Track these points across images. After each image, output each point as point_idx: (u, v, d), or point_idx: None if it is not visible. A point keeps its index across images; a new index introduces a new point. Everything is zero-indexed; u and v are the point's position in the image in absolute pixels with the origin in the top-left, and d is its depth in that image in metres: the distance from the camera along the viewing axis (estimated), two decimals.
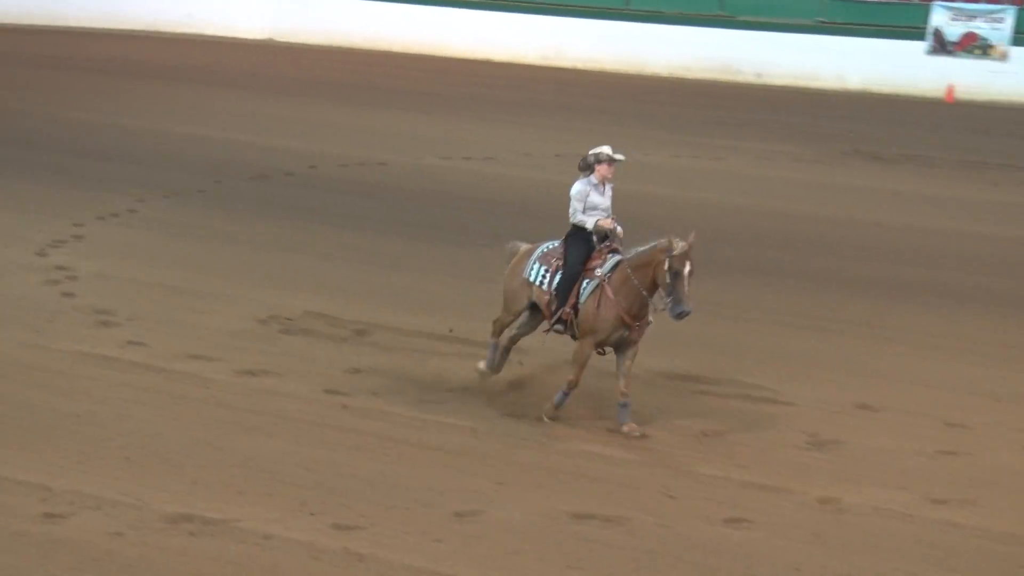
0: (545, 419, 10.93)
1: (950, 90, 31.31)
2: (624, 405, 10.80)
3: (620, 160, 11.06)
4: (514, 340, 11.65)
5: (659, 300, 10.64)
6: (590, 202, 10.98)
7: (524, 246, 11.65)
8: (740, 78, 33.91)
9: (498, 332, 11.62)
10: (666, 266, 10.47)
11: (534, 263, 11.27)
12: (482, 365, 11.65)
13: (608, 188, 11.08)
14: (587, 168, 11.04)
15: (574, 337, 11.08)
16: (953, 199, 20.42)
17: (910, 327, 14.08)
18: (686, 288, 10.43)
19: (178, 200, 18.95)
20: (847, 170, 22.76)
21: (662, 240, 10.64)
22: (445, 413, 11.17)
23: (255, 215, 18.28)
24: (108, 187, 19.29)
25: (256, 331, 13.19)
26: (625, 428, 10.75)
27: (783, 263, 16.55)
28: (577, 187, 11.03)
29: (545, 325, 11.27)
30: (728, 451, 10.58)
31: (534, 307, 11.35)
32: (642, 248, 10.79)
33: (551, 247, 11.29)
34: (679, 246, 10.45)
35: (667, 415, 11.14)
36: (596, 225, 10.94)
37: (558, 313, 10.99)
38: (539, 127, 26.39)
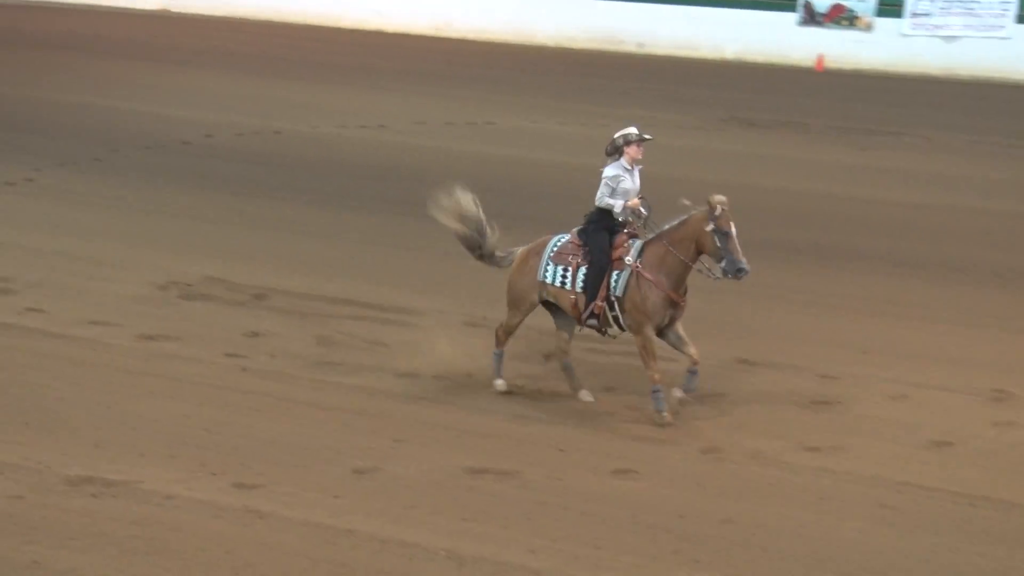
0: (663, 424, 10.19)
1: (820, 59, 31.73)
2: (694, 372, 10.28)
3: (649, 139, 10.47)
4: (565, 352, 10.87)
5: (707, 268, 10.20)
6: (622, 188, 10.34)
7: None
8: (623, 48, 33.99)
9: (504, 339, 10.87)
10: (711, 228, 10.00)
11: (547, 263, 10.57)
12: (499, 383, 10.80)
13: (636, 170, 10.48)
14: (615, 152, 10.40)
15: (601, 331, 10.53)
16: (824, 163, 20.71)
17: (784, 285, 14.27)
18: (738, 246, 10.01)
19: (75, 169, 18.51)
20: (725, 136, 22.98)
21: (695, 210, 10.14)
22: (342, 374, 11.10)
23: (152, 183, 17.92)
24: (3, 157, 18.78)
25: (155, 297, 12.97)
26: (679, 394, 10.28)
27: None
28: (610, 171, 10.37)
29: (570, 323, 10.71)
30: (617, 406, 10.65)
31: (554, 308, 10.71)
32: (672, 224, 10.24)
33: (561, 242, 10.60)
34: (719, 206, 9.99)
35: (559, 373, 11.18)
36: (624, 207, 10.31)
37: (590, 308, 10.38)
38: (431, 96, 26.20)
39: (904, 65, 30.83)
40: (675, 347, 10.45)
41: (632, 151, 10.41)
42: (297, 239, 15.47)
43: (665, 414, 10.23)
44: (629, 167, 10.43)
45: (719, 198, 10.04)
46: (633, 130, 10.45)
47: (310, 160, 19.99)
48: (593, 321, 10.46)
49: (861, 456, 9.76)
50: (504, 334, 10.92)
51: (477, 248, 11.04)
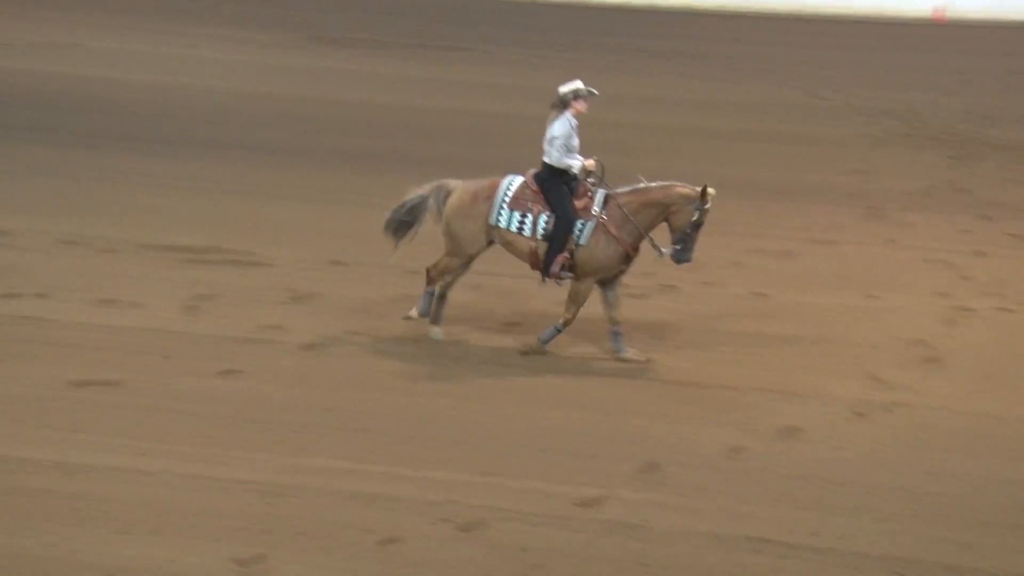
0: (522, 352, 9.73)
1: None
2: (618, 334, 9.72)
3: (596, 95, 9.63)
4: (449, 286, 10.05)
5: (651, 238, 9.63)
6: (572, 144, 9.53)
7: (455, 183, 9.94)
8: None
9: (438, 279, 9.91)
10: (695, 217, 9.42)
11: (502, 208, 9.66)
12: (413, 312, 9.94)
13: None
14: (563, 106, 9.51)
15: (551, 277, 9.72)
16: (401, 77, 20.90)
17: (369, 190, 14.35)
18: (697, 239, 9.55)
19: None
20: (312, 53, 22.70)
21: (681, 185, 9.53)
22: None
23: None
24: None
25: None
26: (629, 354, 9.68)
27: (262, 140, 16.41)
28: (562, 127, 9.49)
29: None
30: (220, 311, 10.46)
31: None
32: (648, 186, 9.57)
33: (515, 186, 9.68)
34: (711, 199, 9.40)
35: (162, 284, 10.81)
36: (582, 168, 9.57)
37: (558, 261, 9.58)
38: (12, 18, 24.26)
39: None
40: (606, 303, 9.80)
41: (580, 106, 9.57)
42: None
43: (546, 347, 9.76)
44: (575, 123, 9.60)
45: (713, 192, 9.49)
46: (580, 84, 9.59)
47: None
48: (567, 273, 9.67)
49: (446, 341, 10.03)
50: (438, 275, 9.92)
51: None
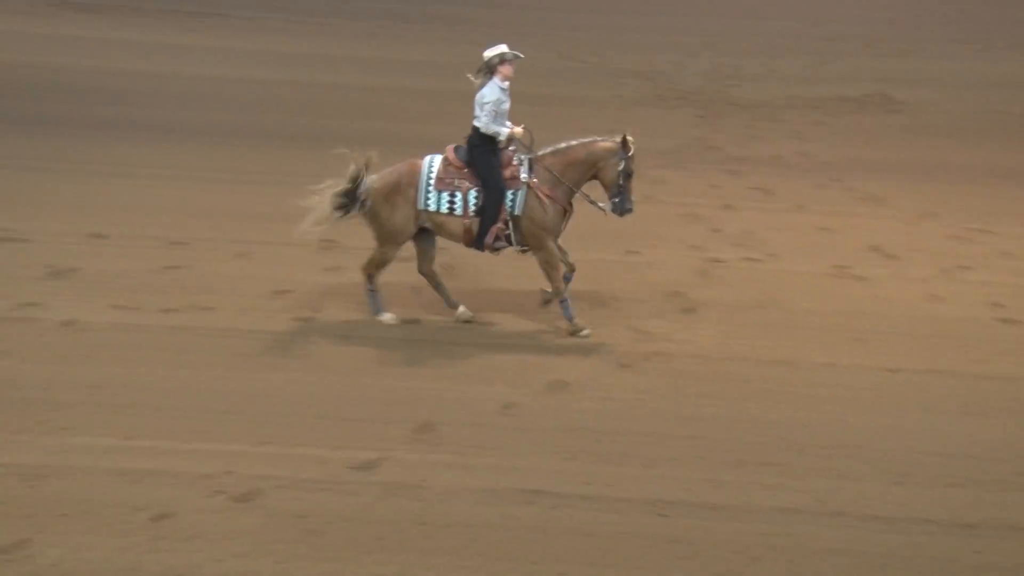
0: (581, 334, 9.52)
1: None
2: (568, 278, 9.66)
3: (522, 57, 9.35)
4: (434, 275, 9.75)
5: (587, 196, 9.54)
6: (502, 109, 9.25)
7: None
8: None
9: (376, 275, 9.54)
10: (621, 167, 9.36)
11: (429, 192, 9.32)
12: (386, 317, 9.56)
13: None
14: (489, 71, 9.22)
15: (485, 248, 9.47)
16: (159, 44, 20.14)
17: (128, 160, 13.86)
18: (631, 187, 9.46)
19: None
20: (61, 20, 21.58)
21: (601, 139, 9.46)
22: None
23: None
24: None
25: None
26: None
27: (15, 110, 15.52)
28: (491, 93, 9.20)
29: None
30: None
31: (418, 234, 9.56)
32: (569, 145, 9.48)
33: (436, 166, 9.35)
34: (633, 147, 9.33)
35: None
36: (508, 135, 9.31)
37: (492, 232, 9.36)
38: None
39: None
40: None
41: (506, 70, 9.28)
42: None
43: (576, 320, 9.59)
44: (504, 87, 9.32)
45: (633, 139, 9.41)
46: (505, 48, 9.29)
47: None
48: (502, 243, 9.48)
49: (218, 313, 9.76)
50: (376, 269, 9.55)
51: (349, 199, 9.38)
